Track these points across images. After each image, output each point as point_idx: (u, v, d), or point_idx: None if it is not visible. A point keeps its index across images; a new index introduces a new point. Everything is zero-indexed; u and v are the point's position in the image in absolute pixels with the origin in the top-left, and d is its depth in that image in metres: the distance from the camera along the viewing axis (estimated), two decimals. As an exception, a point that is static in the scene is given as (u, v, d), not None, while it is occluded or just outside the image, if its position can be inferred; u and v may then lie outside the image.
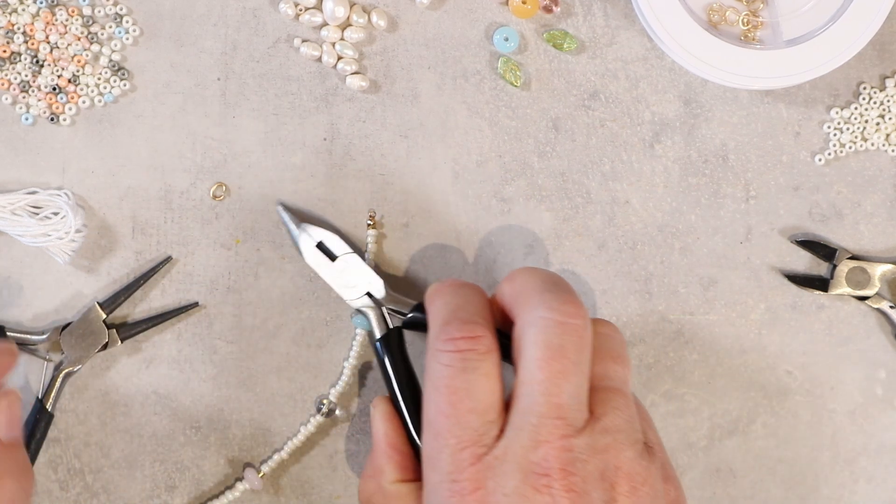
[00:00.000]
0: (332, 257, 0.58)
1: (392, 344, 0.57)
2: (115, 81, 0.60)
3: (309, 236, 0.59)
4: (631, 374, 0.52)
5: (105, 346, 0.59)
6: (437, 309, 0.53)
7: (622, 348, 0.52)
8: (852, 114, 0.61)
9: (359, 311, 0.58)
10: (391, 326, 0.57)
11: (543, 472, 0.48)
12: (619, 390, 0.51)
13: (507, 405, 0.50)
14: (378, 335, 0.57)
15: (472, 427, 0.49)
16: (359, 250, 0.59)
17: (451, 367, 0.50)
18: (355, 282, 0.58)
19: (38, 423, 0.59)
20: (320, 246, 0.59)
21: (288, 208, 0.60)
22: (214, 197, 0.60)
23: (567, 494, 0.47)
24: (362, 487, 0.55)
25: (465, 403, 0.49)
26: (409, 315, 0.57)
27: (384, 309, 0.58)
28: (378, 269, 0.60)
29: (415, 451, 0.54)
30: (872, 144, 0.61)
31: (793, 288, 0.61)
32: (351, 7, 0.60)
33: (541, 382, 0.49)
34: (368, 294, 0.58)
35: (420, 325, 0.56)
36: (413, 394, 0.55)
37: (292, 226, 0.59)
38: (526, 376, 0.49)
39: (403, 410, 0.55)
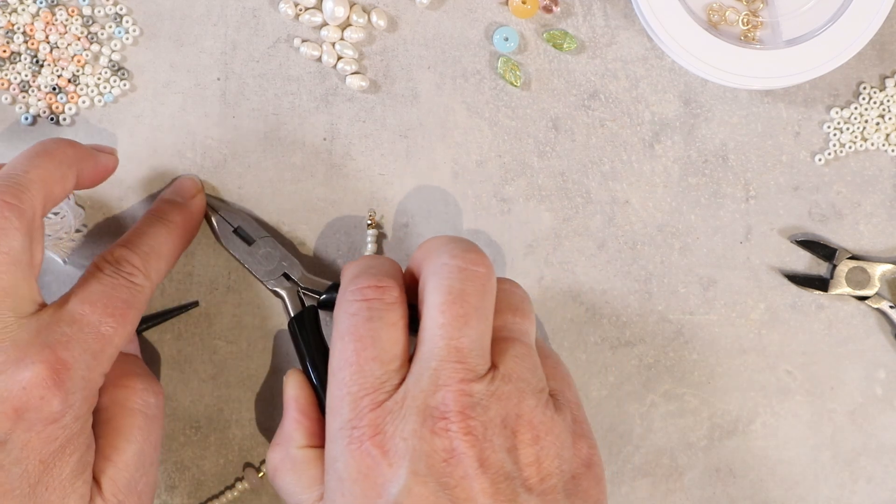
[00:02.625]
0: (249, 241, 0.59)
1: (306, 322, 0.57)
2: (115, 81, 0.60)
3: (225, 221, 0.59)
4: (534, 328, 0.52)
5: (105, 346, 0.59)
6: (347, 271, 0.53)
7: (523, 303, 0.52)
8: (852, 114, 0.61)
9: (273, 290, 0.59)
10: (305, 305, 0.58)
11: (441, 416, 0.48)
12: (519, 340, 0.51)
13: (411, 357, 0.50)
14: (293, 314, 0.58)
15: (374, 375, 0.49)
16: (275, 233, 0.60)
17: (356, 315, 0.50)
18: (272, 264, 0.59)
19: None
20: (238, 231, 0.59)
21: (210, 199, 0.60)
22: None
23: (465, 437, 0.47)
24: (270, 456, 0.54)
25: (368, 351, 0.49)
26: (324, 295, 0.58)
27: (300, 290, 0.58)
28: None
29: (325, 422, 0.54)
30: (872, 144, 0.61)
31: (792, 288, 0.61)
32: (351, 7, 0.60)
33: (441, 326, 0.49)
34: (284, 275, 0.59)
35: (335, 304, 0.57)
36: (326, 369, 0.55)
37: (209, 212, 0.59)
38: (427, 322, 0.49)
39: (318, 386, 0.55)
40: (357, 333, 0.50)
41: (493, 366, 0.50)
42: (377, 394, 0.49)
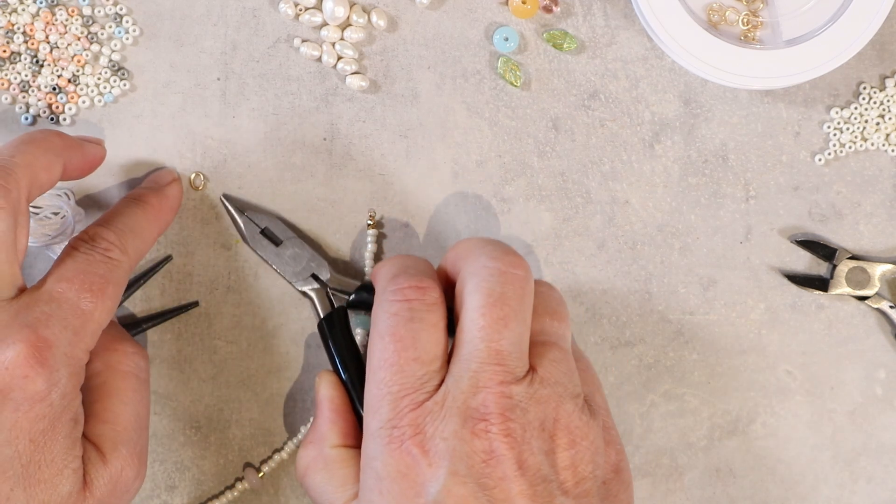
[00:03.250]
0: (277, 242, 0.59)
1: (336, 323, 0.57)
2: (114, 81, 0.60)
3: (252, 222, 0.59)
4: (570, 332, 0.53)
5: (105, 346, 0.59)
6: (384, 271, 0.53)
7: (560, 306, 0.53)
8: (852, 114, 0.61)
9: (302, 291, 0.59)
10: (335, 306, 0.58)
11: (482, 417, 0.48)
12: (556, 344, 0.51)
13: (450, 358, 0.50)
14: (322, 315, 0.58)
15: (414, 375, 0.49)
16: (303, 236, 0.60)
17: (397, 315, 0.50)
18: (300, 265, 0.59)
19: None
20: (265, 232, 0.59)
21: (230, 198, 0.60)
22: (194, 187, 0.60)
23: (505, 439, 0.48)
24: (301, 454, 0.54)
25: (409, 352, 0.50)
26: (353, 296, 0.58)
27: (329, 290, 0.58)
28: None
29: (358, 422, 0.54)
30: (872, 144, 0.61)
31: (792, 288, 0.61)
32: (351, 7, 0.60)
33: (481, 329, 0.49)
34: (313, 275, 0.59)
35: (365, 305, 0.57)
36: (358, 370, 0.56)
37: (236, 213, 0.59)
38: (467, 324, 0.50)
39: (349, 386, 0.55)
40: (398, 334, 0.50)
41: (532, 369, 0.50)
42: (417, 394, 0.49)
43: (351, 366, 0.56)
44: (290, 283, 0.59)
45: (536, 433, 0.48)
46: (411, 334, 0.50)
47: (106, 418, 0.52)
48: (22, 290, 0.51)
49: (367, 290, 0.57)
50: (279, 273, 0.59)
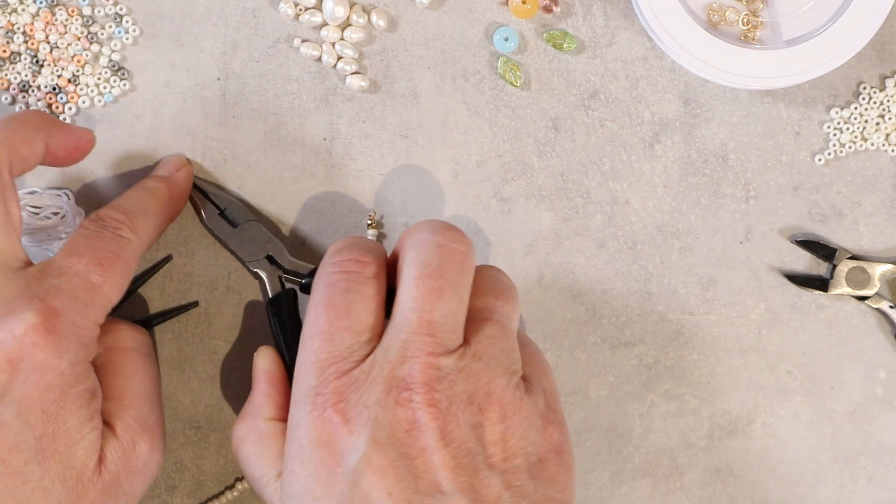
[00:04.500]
0: (234, 224, 0.59)
1: (284, 304, 0.57)
2: (114, 81, 0.60)
3: (212, 203, 0.59)
4: (517, 314, 0.52)
5: (105, 346, 0.59)
6: (332, 247, 0.53)
7: (507, 289, 0.52)
8: (852, 114, 0.61)
9: (254, 272, 0.59)
10: (285, 287, 0.58)
11: (406, 387, 0.48)
12: (497, 322, 0.51)
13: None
14: (270, 295, 0.58)
15: (344, 344, 0.49)
16: (264, 219, 0.60)
17: (334, 286, 0.50)
18: (255, 246, 0.59)
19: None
20: (224, 213, 0.59)
21: (198, 180, 0.60)
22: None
23: (429, 409, 0.47)
24: (236, 428, 0.54)
25: (341, 321, 0.49)
26: (307, 279, 0.58)
27: (282, 273, 0.58)
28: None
29: None
30: (872, 144, 0.61)
31: (792, 288, 0.61)
32: (351, 7, 0.60)
33: (414, 299, 0.49)
34: (269, 258, 0.59)
35: None
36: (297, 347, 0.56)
37: (195, 194, 0.59)
38: (401, 295, 0.49)
39: (288, 365, 0.55)
40: (332, 302, 0.50)
41: (466, 342, 0.50)
42: (344, 362, 0.49)
43: (294, 348, 0.55)
44: (244, 263, 0.59)
45: (464, 406, 0.48)
46: (345, 304, 0.50)
47: (111, 395, 0.52)
48: (27, 264, 0.51)
49: None
50: (233, 253, 0.59)
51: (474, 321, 0.50)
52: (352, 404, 0.48)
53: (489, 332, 0.50)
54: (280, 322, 0.57)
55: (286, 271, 0.59)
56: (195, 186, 0.59)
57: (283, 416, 0.53)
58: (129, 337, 0.55)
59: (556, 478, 0.50)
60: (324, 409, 0.48)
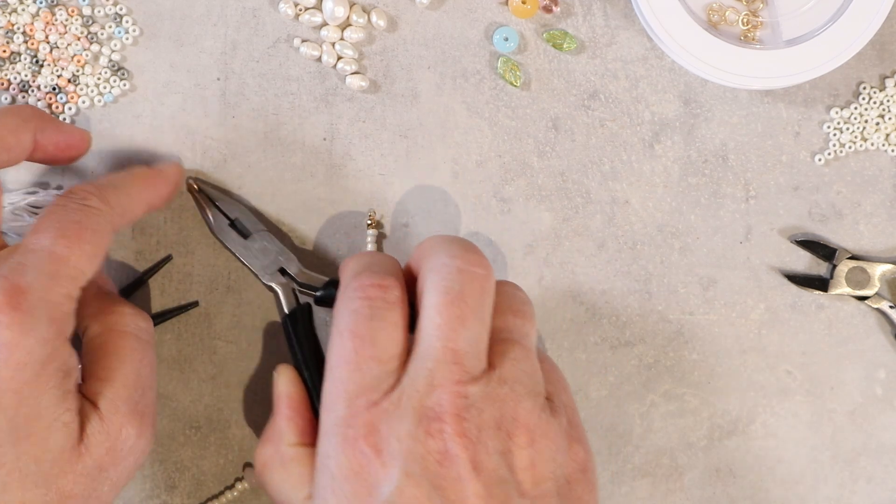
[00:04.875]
0: (245, 235, 0.58)
1: (300, 320, 0.57)
2: (114, 81, 0.60)
3: (221, 212, 0.59)
4: (535, 331, 0.52)
5: (105, 346, 0.59)
6: (349, 267, 0.53)
7: (524, 305, 0.52)
8: (852, 114, 0.61)
9: (268, 286, 0.58)
10: (300, 302, 0.57)
11: (436, 417, 0.47)
12: (518, 342, 0.50)
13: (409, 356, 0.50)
14: (285, 311, 0.57)
15: (371, 374, 0.49)
16: (276, 230, 0.59)
17: (357, 313, 0.50)
18: (268, 258, 0.58)
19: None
20: (234, 224, 0.58)
21: (201, 185, 0.59)
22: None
23: (460, 440, 0.47)
24: (259, 452, 0.54)
25: (367, 350, 0.49)
26: (321, 292, 0.57)
27: (296, 286, 0.58)
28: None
29: (316, 420, 0.54)
30: (872, 144, 0.61)
31: (792, 288, 0.61)
32: (351, 7, 0.60)
33: (438, 327, 0.49)
34: (281, 270, 0.58)
35: (332, 302, 0.56)
36: (319, 369, 0.55)
37: (203, 203, 0.59)
38: (424, 322, 0.49)
39: (309, 384, 0.55)
40: (357, 331, 0.50)
41: (491, 367, 0.49)
42: (373, 393, 0.49)
43: (312, 364, 0.55)
44: (257, 276, 0.58)
45: (492, 433, 0.48)
46: (371, 332, 0.49)
47: (103, 376, 0.52)
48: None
49: (335, 286, 0.56)
50: (246, 266, 0.58)
51: (496, 343, 0.50)
52: (383, 436, 0.48)
53: (512, 354, 0.50)
54: (298, 337, 0.56)
55: (300, 284, 0.58)
56: (203, 193, 0.59)
57: (306, 440, 0.53)
58: (129, 321, 0.54)
59: (582, 498, 0.50)
60: (355, 441, 0.48)
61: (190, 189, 0.59)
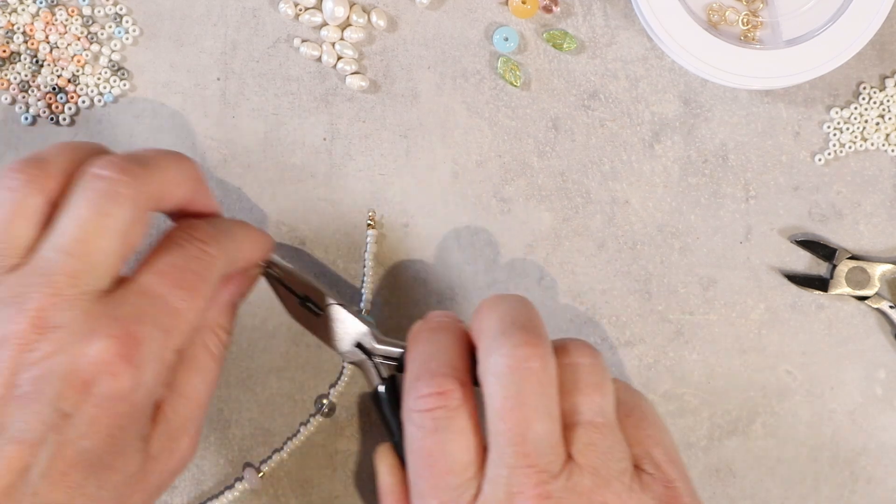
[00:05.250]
0: (318, 311, 0.57)
1: (388, 395, 0.55)
2: (114, 81, 0.60)
3: (291, 292, 0.57)
4: (609, 393, 0.50)
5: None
6: (411, 360, 0.51)
7: (591, 375, 0.50)
8: (852, 114, 0.61)
9: (352, 363, 0.57)
10: (384, 376, 0.56)
11: None
12: (590, 422, 0.49)
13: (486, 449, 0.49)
14: (372, 388, 0.56)
15: (451, 487, 0.48)
16: (346, 298, 0.58)
17: (422, 428, 0.49)
18: (344, 335, 0.56)
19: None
20: (304, 302, 0.57)
21: (273, 267, 0.57)
22: None
23: None
24: None
25: (441, 465, 0.48)
26: (400, 361, 0.55)
27: (375, 359, 0.56)
28: (377, 269, 0.60)
29: None
30: (872, 144, 0.61)
31: (792, 288, 0.61)
32: (351, 7, 0.60)
33: (504, 434, 0.47)
34: (359, 345, 0.56)
35: None
36: None
37: (273, 288, 0.57)
38: (491, 427, 0.48)
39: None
40: (426, 448, 0.49)
41: (569, 457, 0.48)
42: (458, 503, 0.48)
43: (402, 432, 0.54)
44: (338, 353, 0.57)
45: None
46: (439, 446, 0.48)
47: (186, 393, 0.51)
48: (117, 281, 0.49)
49: None
50: (325, 344, 0.57)
51: (569, 427, 0.49)
52: None
53: (586, 438, 0.49)
54: (390, 414, 0.54)
55: (379, 357, 0.56)
56: (271, 277, 0.57)
57: None
58: (219, 340, 0.53)
59: None
60: None
61: (265, 274, 0.57)
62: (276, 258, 0.57)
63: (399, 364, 0.56)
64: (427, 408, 0.49)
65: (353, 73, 0.60)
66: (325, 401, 0.60)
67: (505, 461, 0.47)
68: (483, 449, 0.49)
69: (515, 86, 0.60)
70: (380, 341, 0.56)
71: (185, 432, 0.51)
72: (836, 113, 0.61)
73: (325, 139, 0.61)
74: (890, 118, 0.61)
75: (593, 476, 0.48)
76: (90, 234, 0.47)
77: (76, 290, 0.47)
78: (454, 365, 0.50)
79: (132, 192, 0.48)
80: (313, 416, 0.60)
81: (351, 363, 0.57)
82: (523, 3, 0.60)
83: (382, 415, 0.55)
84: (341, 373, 0.60)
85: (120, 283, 0.49)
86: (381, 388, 0.55)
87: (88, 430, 0.47)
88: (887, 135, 0.61)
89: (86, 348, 0.46)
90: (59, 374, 0.46)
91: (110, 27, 0.60)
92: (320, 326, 0.57)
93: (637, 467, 0.50)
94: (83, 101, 0.60)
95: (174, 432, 0.51)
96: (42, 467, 0.46)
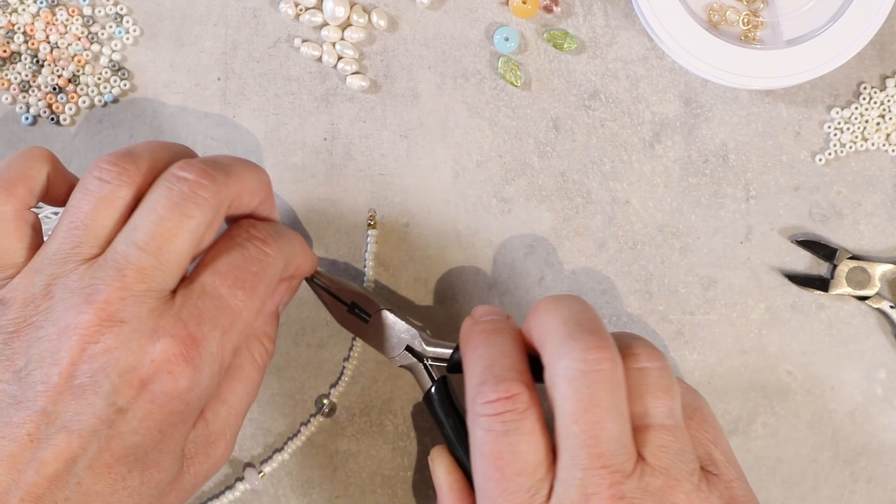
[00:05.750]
0: (365, 318, 0.57)
1: (440, 396, 0.55)
2: (115, 81, 0.60)
3: (338, 300, 0.57)
4: (677, 396, 0.51)
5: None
6: (471, 364, 0.52)
7: (661, 378, 0.51)
8: (852, 114, 0.61)
9: (402, 367, 0.57)
10: (436, 378, 0.56)
11: None
12: (662, 425, 0.50)
13: (554, 451, 0.49)
14: (424, 390, 0.56)
15: (522, 488, 0.49)
16: (389, 304, 0.58)
17: (491, 431, 0.49)
18: (394, 339, 0.57)
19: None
20: (353, 309, 0.57)
21: (318, 276, 0.57)
22: None
23: None
24: None
25: (512, 467, 0.49)
26: (451, 361, 0.56)
27: (426, 361, 0.56)
28: (378, 269, 0.60)
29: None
30: (873, 144, 0.61)
31: (793, 288, 0.61)
32: (351, 7, 0.60)
33: (577, 436, 0.48)
34: (408, 348, 0.57)
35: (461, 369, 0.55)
36: (468, 439, 0.54)
37: (320, 295, 0.57)
38: (563, 429, 0.49)
39: (463, 460, 0.54)
40: (496, 451, 0.49)
41: (640, 458, 0.49)
42: None
43: (463, 436, 0.54)
44: (388, 358, 0.57)
45: None
46: (510, 448, 0.49)
47: (228, 400, 0.52)
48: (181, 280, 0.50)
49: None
50: (375, 349, 0.57)
51: (639, 430, 0.49)
52: None
53: (658, 441, 0.49)
54: (444, 414, 0.55)
55: (430, 359, 0.56)
56: (317, 286, 0.57)
57: None
58: (265, 350, 0.54)
59: None
60: None
61: (309, 283, 0.58)
62: (319, 272, 0.57)
63: (450, 365, 0.56)
64: (496, 412, 0.49)
65: (353, 73, 0.60)
66: (325, 401, 0.60)
67: (578, 463, 0.48)
68: (551, 450, 0.49)
69: (516, 86, 0.60)
70: (430, 343, 0.57)
71: (222, 437, 0.51)
72: (837, 113, 0.61)
73: (325, 139, 0.61)
74: (890, 118, 0.61)
75: (665, 477, 0.48)
76: (166, 232, 0.48)
77: (144, 286, 0.48)
78: (518, 368, 0.51)
79: (211, 196, 0.49)
80: (314, 416, 0.60)
81: (401, 366, 0.57)
82: (524, 3, 0.60)
83: (436, 416, 0.55)
84: (341, 373, 0.60)
85: (181, 282, 0.49)
86: (434, 390, 0.56)
87: (140, 425, 0.47)
88: (888, 135, 0.61)
89: (148, 346, 0.47)
90: (118, 369, 0.46)
91: (111, 27, 0.60)
92: (369, 332, 0.57)
93: (702, 468, 0.50)
94: (83, 101, 0.60)
95: (212, 436, 0.51)
96: (90, 458, 0.46)
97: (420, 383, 0.57)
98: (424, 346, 0.57)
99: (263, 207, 0.54)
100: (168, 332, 0.47)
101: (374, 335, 0.57)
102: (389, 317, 0.57)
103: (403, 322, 0.57)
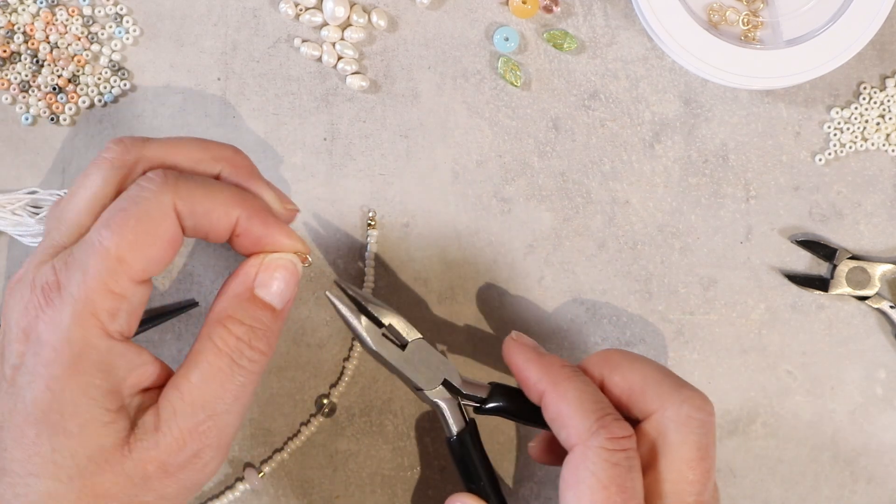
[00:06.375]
0: (402, 344, 0.54)
1: (473, 439, 0.54)
2: (115, 81, 0.60)
3: (374, 321, 0.54)
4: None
5: (105, 346, 0.59)
6: (574, 398, 0.52)
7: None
8: (852, 114, 0.61)
9: (434, 402, 0.54)
10: (467, 419, 0.54)
11: None
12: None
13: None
14: (455, 430, 0.54)
15: None
16: (423, 332, 0.55)
17: (619, 466, 0.51)
18: (431, 371, 0.54)
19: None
20: (387, 333, 0.54)
21: (342, 289, 0.55)
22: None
23: None
24: None
25: (634, 500, 0.50)
26: (489, 405, 0.54)
27: (460, 400, 0.54)
28: (378, 269, 0.60)
29: None
30: (872, 144, 0.61)
31: (793, 288, 0.61)
32: (351, 7, 0.60)
33: (692, 483, 0.51)
34: (444, 382, 0.54)
35: (503, 411, 0.54)
36: (491, 481, 0.54)
37: (349, 314, 0.53)
38: (675, 475, 0.51)
39: (490, 496, 0.54)
40: (623, 485, 0.50)
41: None
42: None
43: (485, 478, 0.54)
44: (421, 390, 0.54)
45: None
46: (633, 484, 0.50)
47: (178, 385, 0.49)
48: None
49: (502, 393, 0.54)
50: (407, 381, 0.54)
51: None
52: None
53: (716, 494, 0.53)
54: (475, 457, 0.54)
55: (464, 396, 0.54)
56: (349, 297, 0.54)
57: None
58: (235, 343, 0.50)
59: None
60: None
61: (333, 293, 0.54)
62: (346, 284, 0.54)
63: (485, 407, 0.54)
64: (623, 448, 0.51)
65: (353, 73, 0.60)
66: (325, 401, 0.60)
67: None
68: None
69: (516, 86, 0.60)
70: (465, 380, 0.55)
71: (181, 432, 0.49)
72: (837, 113, 0.61)
73: (325, 139, 0.61)
74: (890, 118, 0.61)
75: None
76: (69, 194, 0.51)
77: (46, 244, 0.51)
78: (614, 408, 0.53)
79: (112, 157, 0.51)
80: (314, 416, 0.60)
81: (432, 403, 0.54)
82: (524, 3, 0.60)
83: (468, 456, 0.54)
84: (341, 373, 0.60)
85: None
86: (468, 432, 0.54)
87: (29, 378, 0.48)
88: (888, 135, 0.61)
89: (27, 296, 0.49)
90: (11, 324, 0.49)
91: (110, 27, 0.60)
92: (406, 362, 0.54)
93: None
94: (83, 101, 0.60)
95: (160, 423, 0.49)
96: (4, 421, 0.48)
97: (448, 420, 0.54)
98: (460, 381, 0.54)
99: (236, 175, 0.53)
100: (42, 280, 0.48)
101: (411, 366, 0.54)
102: (425, 345, 0.54)
103: (439, 353, 0.54)
